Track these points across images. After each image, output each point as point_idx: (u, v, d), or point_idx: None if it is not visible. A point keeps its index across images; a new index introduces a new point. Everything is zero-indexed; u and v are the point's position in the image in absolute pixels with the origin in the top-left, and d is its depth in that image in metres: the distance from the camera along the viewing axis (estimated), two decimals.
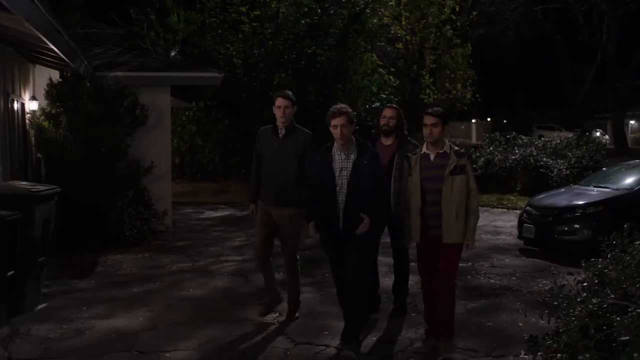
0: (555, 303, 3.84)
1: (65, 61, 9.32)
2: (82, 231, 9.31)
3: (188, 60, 19.16)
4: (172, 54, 19.87)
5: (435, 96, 24.67)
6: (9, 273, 5.96)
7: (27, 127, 10.71)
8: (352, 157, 5.37)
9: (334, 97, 17.92)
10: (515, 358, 5.10)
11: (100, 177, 9.91)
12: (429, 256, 5.45)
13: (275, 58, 20.00)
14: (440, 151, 5.41)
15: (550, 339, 3.90)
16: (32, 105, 10.79)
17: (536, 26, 36.17)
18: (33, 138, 10.74)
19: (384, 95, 21.03)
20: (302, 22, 20.65)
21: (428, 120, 5.40)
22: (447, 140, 5.54)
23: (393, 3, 22.96)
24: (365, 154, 5.37)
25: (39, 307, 6.65)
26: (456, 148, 5.53)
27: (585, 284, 3.90)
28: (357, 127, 5.79)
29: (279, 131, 6.16)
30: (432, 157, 5.42)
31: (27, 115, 10.63)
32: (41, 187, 6.73)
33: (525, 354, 4.99)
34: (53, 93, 10.27)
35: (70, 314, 6.39)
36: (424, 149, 5.48)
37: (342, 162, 5.38)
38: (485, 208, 15.53)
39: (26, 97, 10.80)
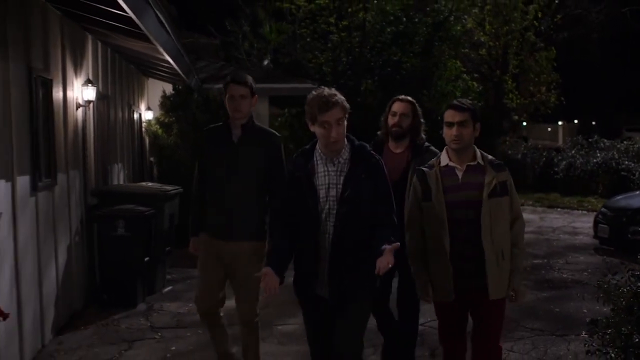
0: (605, 286, 4.65)
1: (180, 77, 10.60)
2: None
3: (279, 68, 20.36)
4: (265, 62, 21.13)
5: (518, 100, 25.04)
6: (146, 259, 7.15)
7: (143, 134, 12.06)
8: (344, 167, 3.58)
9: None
10: (576, 337, 5.85)
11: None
12: (458, 316, 3.96)
13: (362, 65, 20.93)
14: (472, 163, 3.84)
15: (605, 320, 4.68)
16: (147, 115, 12.14)
17: (623, 27, 35.78)
18: (147, 144, 12.11)
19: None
20: (388, 30, 21.50)
21: (453, 115, 3.80)
22: (476, 148, 3.92)
23: (477, 10, 23.51)
24: (363, 163, 3.58)
25: (165, 289, 7.83)
26: (490, 157, 3.94)
27: (635, 271, 4.67)
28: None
29: (233, 132, 4.48)
30: (459, 172, 3.84)
31: (144, 124, 11.98)
32: (168, 187, 7.93)
33: (585, 334, 5.75)
34: (166, 104, 11.58)
35: (193, 296, 7.53)
36: (446, 160, 3.89)
37: (328, 175, 3.58)
38: (565, 210, 16.07)
39: (142, 107, 12.15)
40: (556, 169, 19.15)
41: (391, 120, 4.79)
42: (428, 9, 21.61)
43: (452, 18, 21.87)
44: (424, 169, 3.96)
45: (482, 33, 24.03)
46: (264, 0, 21.83)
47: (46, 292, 5.92)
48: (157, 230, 7.35)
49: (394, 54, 20.91)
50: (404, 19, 21.39)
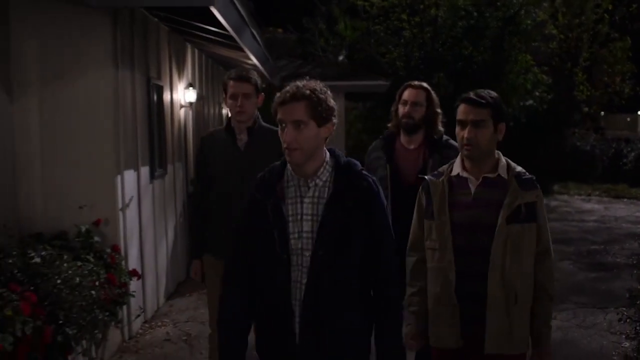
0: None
1: (264, 77, 11.74)
2: None
3: (354, 63, 21.33)
4: (340, 58, 22.14)
5: (589, 92, 25.24)
6: None
7: None
8: (323, 192, 2.59)
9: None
10: (615, 309, 6.64)
11: None
12: None
13: (434, 60, 21.68)
14: (490, 175, 3.00)
15: None
16: None
17: None
18: None
19: (537, 93, 22.08)
20: (460, 24, 22.14)
21: (466, 112, 2.97)
22: (500, 155, 3.07)
23: (547, 4, 23.83)
24: (351, 187, 2.59)
25: None
26: (519, 169, 3.03)
27: None
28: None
29: (238, 137, 4.02)
30: (473, 185, 3.01)
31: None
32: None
33: (623, 307, 6.53)
34: None
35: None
36: (458, 168, 3.07)
37: (301, 203, 2.59)
38: (631, 200, 16.51)
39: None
40: (625, 160, 19.48)
41: (401, 110, 4.11)
42: (499, 3, 22.13)
43: (522, 12, 22.34)
44: (429, 177, 3.12)
45: (553, 26, 24.32)
46: None
47: (160, 264, 7.13)
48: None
49: (465, 48, 21.53)
50: (475, 13, 21.98)
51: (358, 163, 2.67)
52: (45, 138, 5.59)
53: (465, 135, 2.96)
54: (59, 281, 4.20)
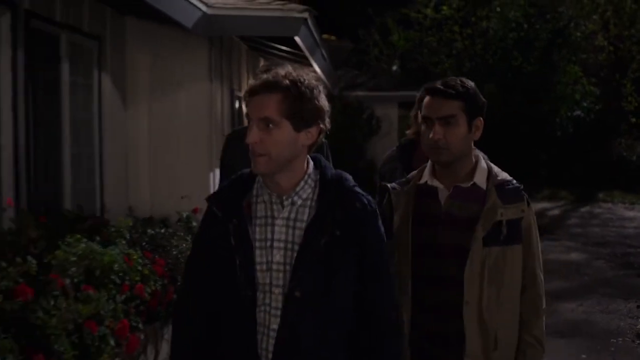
0: None
1: (327, 86, 12.88)
2: None
3: (406, 73, 22.31)
4: (394, 68, 23.15)
5: (637, 103, 25.68)
6: None
7: None
8: (303, 214, 2.02)
9: (538, 106, 20.24)
10: (638, 300, 7.53)
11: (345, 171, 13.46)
12: None
13: (484, 70, 22.52)
14: (464, 184, 2.38)
15: None
16: None
17: None
18: None
19: (585, 104, 22.71)
20: (510, 35, 22.93)
21: (433, 107, 2.34)
22: (481, 156, 2.49)
23: (597, 17, 24.40)
24: (340, 208, 2.01)
25: None
26: (502, 176, 2.42)
27: None
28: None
29: None
30: (443, 196, 2.40)
31: None
32: None
33: None
34: None
35: None
36: (427, 176, 2.44)
37: (272, 225, 2.02)
38: None
39: None
40: None
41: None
42: (548, 15, 22.85)
43: (572, 24, 23.01)
44: (392, 186, 2.49)
45: (602, 38, 24.89)
46: (393, 11, 23.84)
47: None
48: None
49: (515, 59, 22.30)
50: (525, 25, 22.75)
51: (350, 177, 2.07)
52: (153, 140, 6.79)
53: (432, 136, 2.28)
54: (174, 252, 5.34)
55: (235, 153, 3.77)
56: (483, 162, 2.44)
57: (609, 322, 6.65)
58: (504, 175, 2.42)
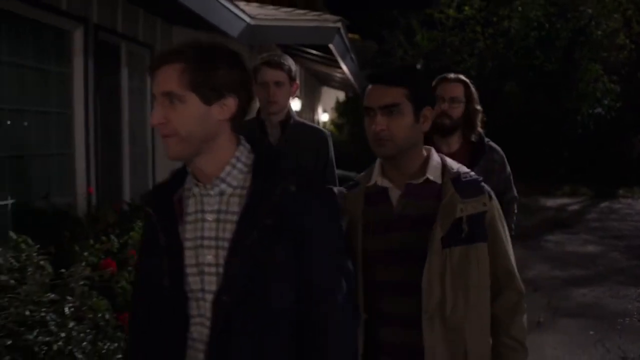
0: None
1: (350, 86, 13.49)
2: None
3: (429, 72, 22.83)
4: (417, 67, 23.68)
5: None
6: None
7: None
8: (233, 205, 1.73)
9: (559, 104, 20.67)
10: None
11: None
12: None
13: (506, 69, 22.97)
14: (415, 181, 2.14)
15: None
16: (323, 117, 15.16)
17: None
18: None
19: (605, 102, 23.07)
20: (532, 34, 23.36)
21: (374, 96, 2.09)
22: (433, 150, 2.23)
23: (618, 16, 24.71)
24: (274, 194, 1.69)
25: None
26: (458, 168, 2.18)
27: None
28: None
29: (269, 132, 3.38)
30: (394, 196, 2.15)
31: (321, 124, 15.03)
32: (351, 174, 10.79)
33: None
34: (340, 108, 14.54)
35: None
36: (375, 177, 2.18)
37: (202, 222, 1.74)
38: None
39: (319, 110, 15.17)
40: None
41: (436, 108, 3.10)
42: (569, 15, 23.24)
43: (593, 23, 23.37)
44: (339, 190, 2.25)
45: (624, 36, 25.19)
46: (416, 11, 24.38)
47: None
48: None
49: (536, 58, 22.71)
50: (547, 25, 23.16)
51: (286, 155, 1.82)
52: None
53: (374, 128, 2.05)
54: None
55: None
56: (436, 156, 2.19)
57: (618, 305, 7.18)
58: (459, 167, 2.17)
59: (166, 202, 1.80)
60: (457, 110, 3.46)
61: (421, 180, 2.12)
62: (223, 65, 1.70)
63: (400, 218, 2.11)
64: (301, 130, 3.44)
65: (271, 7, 7.12)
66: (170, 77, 1.67)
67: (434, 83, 3.47)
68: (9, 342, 2.85)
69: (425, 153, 2.19)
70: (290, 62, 3.42)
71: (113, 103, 6.11)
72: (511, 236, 3.45)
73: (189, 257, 1.74)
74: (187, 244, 1.74)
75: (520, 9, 23.38)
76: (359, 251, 2.10)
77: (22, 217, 4.46)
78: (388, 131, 2.05)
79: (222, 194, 1.74)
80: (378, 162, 2.21)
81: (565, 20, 23.31)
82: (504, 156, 3.62)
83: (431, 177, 2.13)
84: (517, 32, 23.64)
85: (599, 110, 22.83)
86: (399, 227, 2.11)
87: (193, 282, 1.73)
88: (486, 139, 3.59)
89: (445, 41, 23.81)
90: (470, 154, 3.47)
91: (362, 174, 2.26)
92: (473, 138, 3.55)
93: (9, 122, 4.60)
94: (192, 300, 1.73)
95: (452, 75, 3.55)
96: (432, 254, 2.03)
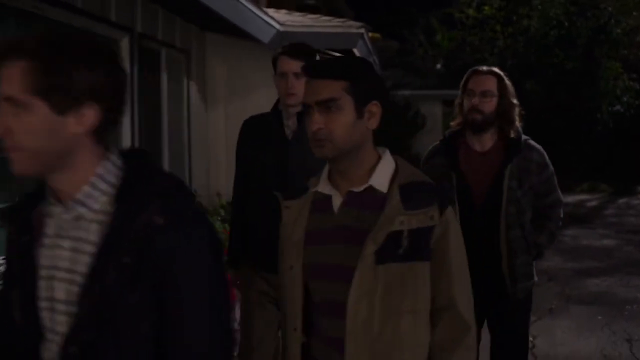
0: None
1: None
2: None
3: (450, 71, 23.19)
4: (438, 66, 24.07)
5: None
6: None
7: None
8: (94, 231, 1.42)
9: (579, 102, 20.95)
10: None
11: None
12: None
13: (526, 68, 23.26)
14: (356, 189, 1.89)
15: None
16: None
17: None
18: None
19: (625, 99, 23.27)
20: (551, 33, 23.62)
21: (311, 91, 1.84)
22: (388, 153, 1.96)
23: (637, 14, 24.87)
24: (137, 222, 1.37)
25: None
26: (411, 175, 1.91)
27: None
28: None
29: (285, 124, 3.21)
30: (336, 203, 1.92)
31: None
32: None
33: None
34: None
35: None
36: (323, 184, 1.96)
37: (57, 247, 1.44)
38: None
39: None
40: None
41: (467, 103, 3.20)
42: (589, 13, 23.47)
43: (612, 21, 23.57)
44: (285, 199, 2.03)
45: None
46: (436, 11, 24.75)
47: None
48: None
49: (556, 56, 22.98)
50: (566, 23, 23.41)
51: (170, 177, 1.49)
52: (228, 138, 7.93)
53: (311, 127, 1.83)
54: None
55: (253, 140, 3.30)
56: (389, 159, 1.91)
57: (628, 294, 7.57)
58: (415, 175, 1.89)
59: (26, 221, 1.49)
60: (489, 105, 3.18)
61: (363, 187, 1.87)
62: (81, 65, 1.35)
63: (338, 229, 1.87)
64: None
65: (298, 14, 7.59)
66: (11, 79, 1.34)
67: (465, 76, 3.31)
68: None
69: (377, 155, 1.92)
70: (311, 51, 3.26)
71: (154, 104, 6.62)
72: (551, 243, 3.50)
73: (42, 288, 1.44)
74: (42, 272, 1.44)
75: (540, 7, 23.63)
76: (299, 266, 1.91)
77: None
78: (326, 130, 1.80)
79: (79, 218, 1.42)
80: (327, 165, 1.96)
81: (585, 19, 23.53)
82: (545, 155, 3.30)
83: (375, 185, 1.86)
84: (537, 31, 23.90)
85: (618, 107, 23.05)
86: (335, 239, 1.87)
87: (45, 318, 1.44)
88: (524, 137, 3.27)
89: (466, 40, 24.15)
90: (504, 153, 3.19)
91: (314, 177, 2.00)
92: (512, 134, 3.23)
93: None
94: (48, 342, 1.43)
95: (484, 68, 3.30)
96: (361, 269, 1.79)
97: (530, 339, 5.59)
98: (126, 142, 5.86)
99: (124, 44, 5.86)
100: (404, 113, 14.86)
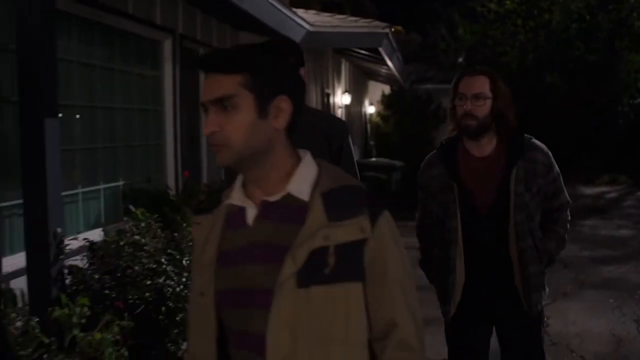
0: None
1: (396, 81, 14.33)
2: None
3: (472, 65, 23.50)
4: (460, 60, 24.37)
5: None
6: None
7: (366, 123, 16.00)
8: None
9: (600, 95, 21.16)
10: None
11: (414, 157, 14.89)
12: None
13: (547, 62, 23.49)
14: (273, 198, 1.58)
15: None
16: (369, 109, 16.07)
17: None
18: (369, 131, 16.05)
19: None
20: (572, 27, 23.82)
21: (206, 88, 1.54)
22: (308, 156, 1.63)
23: None
24: None
25: None
26: (334, 180, 1.59)
27: None
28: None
29: None
30: (251, 217, 1.60)
31: (368, 116, 15.93)
32: (395, 162, 11.69)
33: None
34: (385, 101, 15.43)
35: None
36: (236, 195, 1.63)
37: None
38: None
39: (366, 103, 16.08)
40: None
41: (459, 108, 2.94)
42: (610, 6, 23.63)
43: (634, 14, 23.71)
44: (196, 219, 1.73)
45: None
46: (459, 5, 25.02)
47: None
48: (389, 190, 11.11)
49: (577, 49, 23.18)
50: (587, 16, 23.59)
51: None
52: None
53: (205, 130, 1.56)
54: None
55: None
56: (310, 163, 1.61)
57: None
58: (340, 179, 1.60)
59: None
60: (483, 109, 2.87)
61: (279, 196, 1.56)
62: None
63: (253, 247, 1.57)
64: (311, 119, 2.83)
65: (326, 14, 8.05)
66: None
67: (455, 79, 3.00)
68: (149, 282, 3.84)
69: (295, 159, 1.60)
70: (296, 44, 3.04)
71: (193, 101, 7.11)
72: (561, 248, 3.17)
73: None
74: None
75: (561, 0, 23.82)
76: (210, 293, 1.61)
77: (129, 196, 5.48)
78: (222, 133, 1.52)
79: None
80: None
81: (607, 12, 23.69)
82: (550, 155, 3.02)
83: (294, 192, 1.55)
84: (558, 24, 24.10)
85: (639, 100, 23.20)
86: (250, 258, 1.57)
87: None
88: (527, 136, 3.01)
89: (488, 34, 24.40)
90: (507, 156, 2.92)
91: (228, 188, 1.70)
92: (512, 135, 2.97)
93: (118, 119, 5.62)
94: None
95: (475, 68, 3.02)
96: (280, 294, 1.50)
97: (544, 319, 6.04)
98: (169, 133, 6.35)
99: (167, 44, 6.35)
100: (425, 107, 15.27)
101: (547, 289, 3.12)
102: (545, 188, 3.00)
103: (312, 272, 1.50)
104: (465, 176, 2.95)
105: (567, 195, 3.15)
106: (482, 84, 2.89)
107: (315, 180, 1.58)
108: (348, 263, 1.52)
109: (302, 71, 2.94)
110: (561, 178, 3.10)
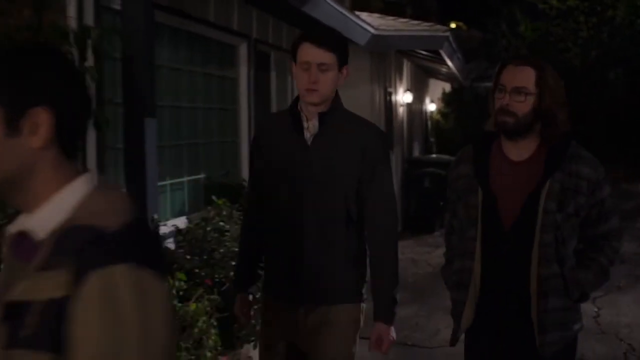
0: None
1: (456, 79, 14.63)
2: None
3: (518, 53, 23.46)
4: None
5: None
6: (441, 203, 11.31)
7: (427, 120, 16.34)
8: None
9: None
10: None
11: None
12: None
13: (610, 58, 23.31)
14: (13, 229, 1.26)
15: None
16: (430, 107, 16.39)
17: None
18: (429, 128, 16.38)
19: None
20: (637, 22, 23.57)
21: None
22: (79, 180, 1.25)
23: None
24: None
25: None
26: (86, 215, 1.17)
27: None
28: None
29: (305, 125, 2.70)
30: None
31: (428, 114, 16.26)
32: (444, 157, 12.04)
33: None
34: (446, 99, 15.74)
35: None
36: (17, 220, 1.27)
37: None
38: None
39: (427, 101, 16.42)
40: None
41: (497, 101, 2.53)
42: None
43: None
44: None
45: None
46: (520, 2, 25.01)
47: None
48: (446, 186, 11.45)
49: None
50: None
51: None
52: None
53: None
54: None
55: (267, 143, 2.80)
56: (75, 190, 1.24)
57: None
58: (96, 215, 1.19)
59: None
60: (523, 105, 2.46)
61: (16, 230, 1.27)
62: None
63: None
64: (345, 122, 2.72)
65: (390, 18, 8.48)
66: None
67: (497, 67, 2.62)
68: (233, 263, 4.36)
69: (59, 183, 1.25)
70: (339, 39, 2.76)
71: (265, 100, 7.64)
72: (601, 282, 2.63)
73: None
74: None
75: None
76: None
77: (209, 188, 6.04)
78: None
79: None
80: None
81: None
82: (602, 171, 2.54)
83: (29, 227, 1.24)
84: (623, 20, 23.86)
85: None
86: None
87: None
88: (574, 144, 2.55)
89: (549, 31, 24.32)
90: (546, 163, 2.49)
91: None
92: (557, 138, 2.53)
93: (200, 118, 6.18)
94: None
95: (521, 56, 2.48)
96: None
97: (595, 309, 6.37)
98: (243, 131, 6.89)
99: (243, 49, 6.88)
100: (484, 105, 15.54)
101: (579, 325, 2.62)
102: (588, 210, 2.51)
103: (10, 332, 1.16)
104: (494, 181, 2.55)
105: (618, 222, 2.63)
106: (525, 77, 2.47)
107: (71, 212, 1.21)
108: (44, 327, 1.12)
109: (344, 71, 2.72)
110: (611, 201, 2.58)
